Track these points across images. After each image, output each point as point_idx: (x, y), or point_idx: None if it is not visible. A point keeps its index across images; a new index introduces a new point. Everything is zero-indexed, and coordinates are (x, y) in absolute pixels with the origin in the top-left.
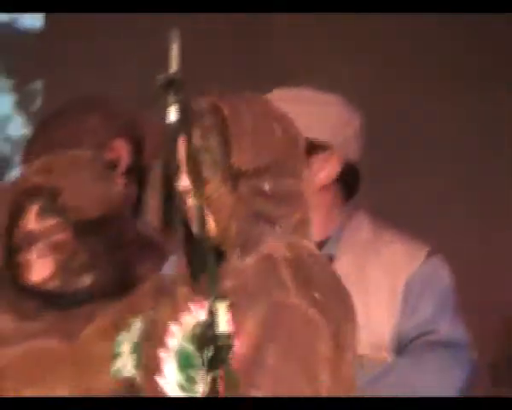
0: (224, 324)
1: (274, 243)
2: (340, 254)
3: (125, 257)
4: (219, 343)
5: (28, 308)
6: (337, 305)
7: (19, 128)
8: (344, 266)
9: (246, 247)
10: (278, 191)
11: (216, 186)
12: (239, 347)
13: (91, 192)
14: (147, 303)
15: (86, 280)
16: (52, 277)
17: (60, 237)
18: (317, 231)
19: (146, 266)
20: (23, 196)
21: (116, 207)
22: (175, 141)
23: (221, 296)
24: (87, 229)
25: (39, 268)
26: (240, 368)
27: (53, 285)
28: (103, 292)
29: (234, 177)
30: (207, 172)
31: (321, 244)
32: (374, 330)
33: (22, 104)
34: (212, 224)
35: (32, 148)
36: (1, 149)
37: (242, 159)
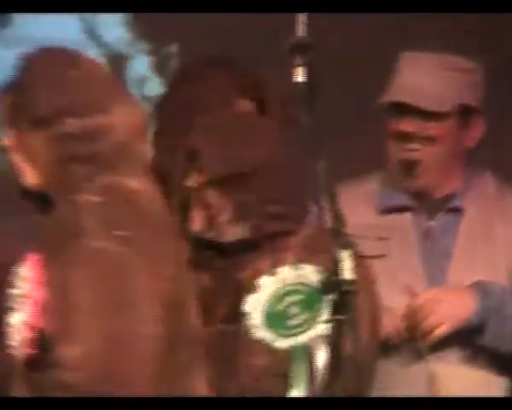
0: (348, 271)
1: (90, 188)
2: (468, 207)
3: (274, 210)
4: (344, 289)
5: (201, 258)
6: (154, 237)
7: (155, 88)
8: (472, 219)
9: (70, 192)
10: (86, 130)
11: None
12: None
13: (239, 149)
14: (292, 256)
15: (241, 231)
16: (205, 229)
17: (209, 192)
18: (444, 185)
19: (292, 220)
20: (183, 152)
21: (263, 162)
22: (302, 101)
23: (346, 245)
24: (234, 184)
25: (196, 220)
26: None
27: (210, 236)
28: (255, 244)
29: (38, 124)
30: None
31: (449, 197)
32: (500, 282)
33: (158, 66)
34: (31, 173)
35: (163, 105)
36: None
37: (39, 106)
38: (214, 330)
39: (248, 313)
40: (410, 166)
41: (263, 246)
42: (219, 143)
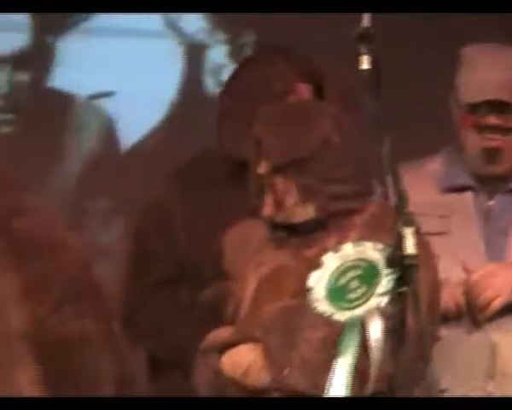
0: (410, 246)
1: None
2: None
3: (339, 190)
4: (406, 263)
5: (279, 237)
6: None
7: None
8: None
9: None
10: None
11: None
12: None
13: (297, 135)
14: (356, 234)
15: (309, 212)
16: (275, 212)
17: (276, 178)
18: None
19: (357, 199)
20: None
21: (322, 145)
22: (367, 88)
23: (409, 223)
24: (296, 169)
25: (267, 204)
26: None
27: (280, 218)
28: (322, 223)
29: None
30: None
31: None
32: None
33: (234, 54)
34: None
35: (230, 88)
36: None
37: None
38: (282, 305)
39: (312, 288)
40: (492, 154)
41: (329, 225)
42: (278, 130)
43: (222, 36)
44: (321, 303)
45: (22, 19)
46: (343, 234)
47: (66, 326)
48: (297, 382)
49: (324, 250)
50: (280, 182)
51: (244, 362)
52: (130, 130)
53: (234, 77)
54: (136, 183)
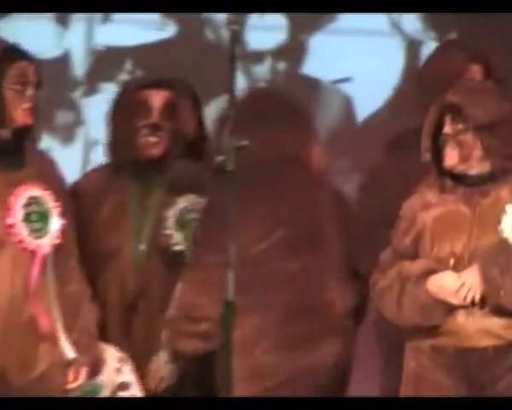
0: None
1: None
2: None
3: None
4: None
5: (447, 185)
6: None
7: None
8: None
9: None
10: None
11: None
12: None
13: (491, 104)
14: None
15: (485, 167)
16: (458, 164)
17: (462, 137)
18: None
19: None
20: (442, 108)
21: (508, 115)
22: None
23: None
24: (487, 130)
25: (451, 157)
26: None
27: (460, 169)
28: (493, 177)
29: None
30: None
31: None
32: None
33: None
34: None
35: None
36: None
37: None
38: (493, 242)
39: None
40: None
41: (499, 180)
42: (477, 99)
43: (433, 34)
44: None
45: (280, 20)
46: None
47: None
48: (510, 302)
49: (500, 199)
50: (469, 140)
51: (449, 285)
52: (362, 108)
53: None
54: (368, 148)
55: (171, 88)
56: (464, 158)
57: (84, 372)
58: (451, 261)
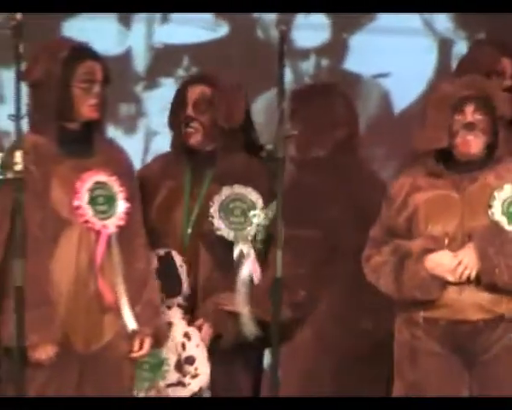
0: None
1: None
2: None
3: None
4: None
5: (438, 169)
6: None
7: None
8: None
9: None
10: None
11: None
12: None
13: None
14: None
15: (481, 155)
16: (480, 151)
17: (482, 125)
18: None
19: None
20: (459, 100)
21: None
22: None
23: None
24: (501, 121)
25: (476, 145)
26: None
27: (476, 156)
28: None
29: None
30: None
31: None
32: None
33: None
34: None
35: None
36: None
37: None
38: (488, 222)
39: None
40: None
41: (486, 166)
42: (500, 93)
43: (463, 33)
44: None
45: (324, 20)
46: (498, 175)
47: None
48: (503, 280)
49: (486, 185)
50: (491, 129)
51: (446, 263)
52: (399, 101)
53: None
54: (403, 137)
55: (209, 83)
56: (486, 146)
57: (147, 343)
58: (446, 241)
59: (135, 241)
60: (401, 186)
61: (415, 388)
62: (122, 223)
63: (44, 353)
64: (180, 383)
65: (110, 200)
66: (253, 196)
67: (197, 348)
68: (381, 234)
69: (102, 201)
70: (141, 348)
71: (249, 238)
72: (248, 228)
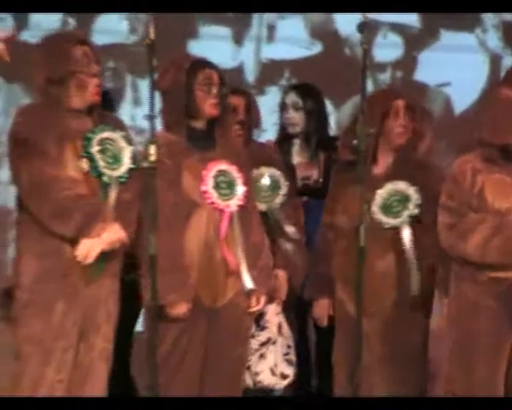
0: None
1: None
2: None
3: None
4: None
5: (494, 157)
6: None
7: None
8: None
9: None
10: None
11: None
12: None
13: None
14: None
15: None
16: None
17: None
18: None
19: None
20: None
21: None
22: None
23: None
24: None
25: None
26: None
27: None
28: None
29: None
30: None
31: None
32: None
33: None
34: None
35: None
36: None
37: None
38: None
39: None
40: None
41: None
42: None
43: (510, 50)
44: None
45: (398, 40)
46: None
47: None
48: None
49: None
50: None
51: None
52: (458, 106)
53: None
54: (461, 135)
55: (246, 94)
56: None
57: (262, 300)
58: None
59: (251, 218)
60: (464, 166)
61: (468, 337)
62: (241, 203)
63: (180, 309)
64: (252, 335)
65: (231, 185)
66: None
67: (274, 305)
68: (458, 206)
69: (224, 186)
70: (257, 303)
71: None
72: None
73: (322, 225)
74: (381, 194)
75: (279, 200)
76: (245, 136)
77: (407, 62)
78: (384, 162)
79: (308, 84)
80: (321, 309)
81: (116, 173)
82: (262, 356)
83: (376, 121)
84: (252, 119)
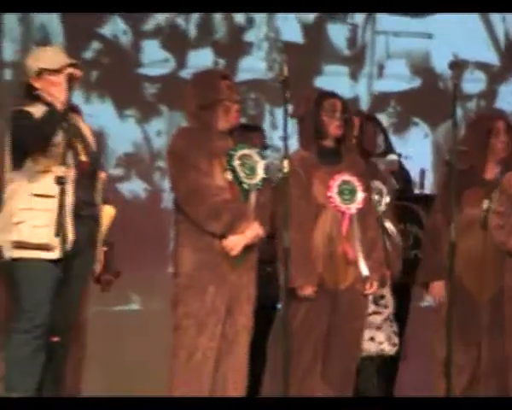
0: None
1: None
2: None
3: None
4: None
5: None
6: None
7: None
8: None
9: None
10: None
11: None
12: None
13: None
14: None
15: None
16: None
17: None
18: None
19: None
20: None
21: None
22: None
23: None
24: None
25: None
26: None
27: None
28: None
29: None
30: None
31: None
32: None
33: None
34: None
35: None
36: None
37: None
38: None
39: None
40: None
41: None
42: None
43: None
44: None
45: (481, 76)
46: None
47: None
48: None
49: None
50: None
51: None
52: None
53: None
54: None
55: (361, 115)
56: None
57: (375, 285)
58: None
59: (368, 217)
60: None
61: None
62: (360, 206)
63: (307, 291)
64: (376, 313)
65: (352, 191)
66: None
67: (386, 288)
68: (505, 210)
69: (347, 192)
70: (371, 288)
71: None
72: None
73: (433, 219)
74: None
75: (383, 206)
76: (362, 151)
77: (489, 94)
78: (492, 171)
79: None
80: (437, 290)
81: (253, 182)
82: (381, 329)
83: (482, 138)
84: (366, 136)
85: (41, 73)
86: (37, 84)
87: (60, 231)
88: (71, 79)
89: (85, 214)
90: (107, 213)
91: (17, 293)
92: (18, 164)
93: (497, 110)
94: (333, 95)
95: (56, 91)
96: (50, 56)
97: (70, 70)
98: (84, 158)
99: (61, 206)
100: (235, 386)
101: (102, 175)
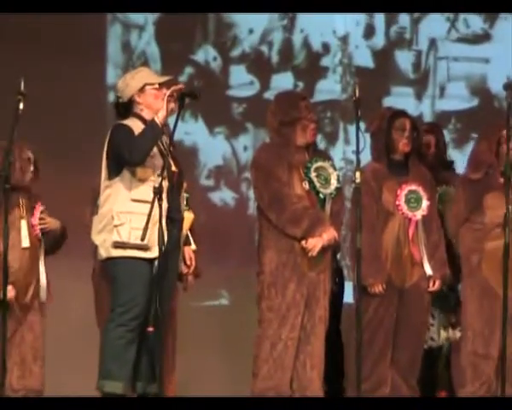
0: None
1: None
2: None
3: None
4: None
5: None
6: None
7: None
8: None
9: None
10: None
11: None
12: None
13: None
14: None
15: None
16: None
17: None
18: None
19: None
20: None
21: None
22: None
23: None
24: None
25: None
26: None
27: None
28: None
29: None
30: None
31: None
32: None
33: None
34: None
35: None
36: None
37: None
38: None
39: None
40: None
41: None
42: None
43: None
44: None
45: None
46: None
47: None
48: None
49: None
50: None
51: None
52: None
53: None
54: None
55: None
56: None
57: (437, 283)
58: None
59: (432, 223)
60: None
61: None
62: (425, 213)
63: (377, 288)
64: None
65: (418, 200)
66: None
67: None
68: None
69: (413, 201)
70: (433, 285)
71: None
72: None
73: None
74: None
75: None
76: (433, 163)
77: None
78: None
79: None
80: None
81: (328, 191)
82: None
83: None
84: (440, 150)
85: (143, 87)
86: (139, 99)
87: (158, 233)
88: (171, 95)
89: (176, 218)
90: (188, 217)
91: (114, 289)
92: (115, 173)
93: None
94: (404, 114)
95: (158, 104)
96: (149, 74)
97: (173, 86)
98: (174, 168)
99: (159, 212)
100: (313, 369)
101: (185, 184)
